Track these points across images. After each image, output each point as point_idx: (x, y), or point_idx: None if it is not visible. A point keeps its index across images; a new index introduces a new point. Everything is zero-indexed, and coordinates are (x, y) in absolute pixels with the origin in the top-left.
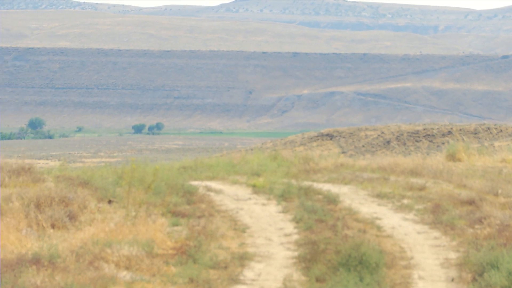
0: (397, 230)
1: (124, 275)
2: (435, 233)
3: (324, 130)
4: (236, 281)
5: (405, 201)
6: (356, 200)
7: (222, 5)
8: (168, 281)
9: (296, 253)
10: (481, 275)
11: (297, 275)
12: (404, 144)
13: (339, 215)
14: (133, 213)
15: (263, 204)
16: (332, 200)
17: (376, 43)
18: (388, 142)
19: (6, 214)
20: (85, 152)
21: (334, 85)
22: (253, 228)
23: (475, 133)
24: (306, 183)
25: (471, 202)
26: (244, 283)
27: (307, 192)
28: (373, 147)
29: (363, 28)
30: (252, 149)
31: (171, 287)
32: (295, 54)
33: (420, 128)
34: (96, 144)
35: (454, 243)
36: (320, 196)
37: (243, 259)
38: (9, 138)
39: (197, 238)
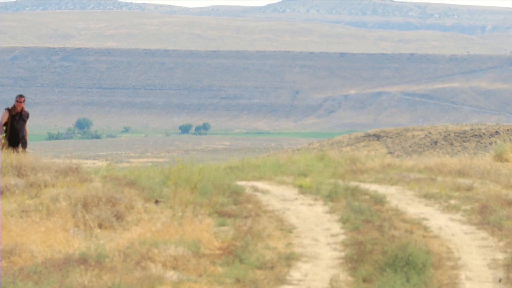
0: (444, 231)
1: (171, 275)
2: (483, 234)
3: (371, 131)
4: (282, 281)
5: (452, 202)
6: (403, 200)
7: (269, 6)
8: (214, 281)
9: (342, 254)
10: None
11: (343, 276)
12: (451, 144)
13: (386, 215)
14: (180, 213)
15: (310, 205)
16: (379, 200)
17: (423, 43)
18: (435, 142)
19: (54, 214)
20: (132, 152)
21: (381, 85)
22: (299, 228)
23: None
24: (353, 184)
25: None
26: (290, 284)
27: (354, 192)
28: (420, 147)
29: (410, 28)
30: (299, 150)
31: (217, 287)
32: (342, 54)
33: (467, 128)
34: (143, 144)
35: (501, 243)
36: (367, 197)
37: (290, 259)
38: (56, 138)
39: (244, 238)
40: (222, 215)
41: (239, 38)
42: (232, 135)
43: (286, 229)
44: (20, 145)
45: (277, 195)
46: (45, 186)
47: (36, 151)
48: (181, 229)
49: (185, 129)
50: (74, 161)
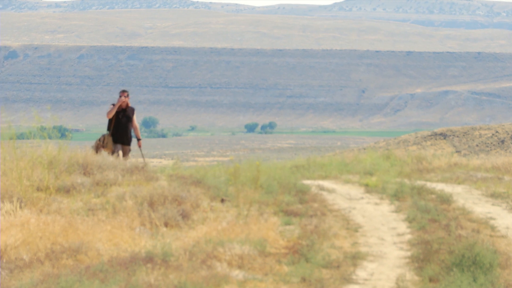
0: None
1: (237, 274)
2: None
3: (438, 130)
4: (348, 280)
5: None
6: (470, 199)
7: (335, 4)
8: (280, 280)
9: (409, 253)
10: None
11: (410, 275)
12: None
13: (452, 215)
14: (245, 212)
15: (376, 204)
16: (445, 199)
17: (490, 41)
18: (503, 141)
19: (120, 212)
20: (198, 151)
21: (447, 84)
22: (365, 227)
23: None
24: (419, 183)
25: None
26: (356, 283)
27: (420, 191)
28: (487, 146)
29: (478, 27)
30: (365, 148)
31: (283, 286)
32: (409, 53)
33: None
34: (209, 143)
35: None
36: (433, 196)
37: (356, 258)
38: None
39: (310, 237)
40: (288, 214)
41: (305, 37)
42: (298, 134)
43: (352, 228)
44: (125, 143)
45: (343, 194)
46: (111, 184)
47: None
48: (246, 228)
49: (251, 128)
50: (140, 159)
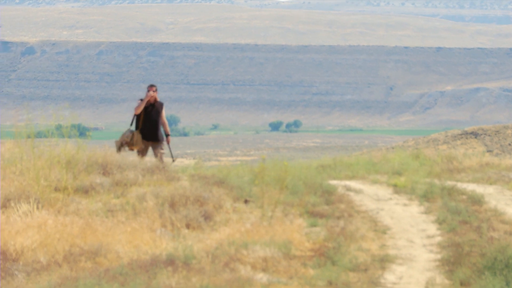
0: None
1: (261, 277)
2: None
3: (469, 128)
4: (376, 284)
5: None
6: (502, 200)
7: None
8: (306, 284)
9: (439, 256)
10: None
11: (440, 279)
12: None
13: (484, 216)
14: (270, 213)
15: (405, 205)
16: (476, 200)
17: None
18: None
19: (140, 213)
20: (220, 150)
21: (479, 81)
22: (394, 229)
23: None
24: (450, 183)
25: None
26: (385, 286)
27: (451, 192)
28: None
29: (510, 22)
30: (393, 147)
31: None
32: (439, 49)
33: None
34: (232, 142)
35: None
36: (464, 197)
37: (384, 261)
38: None
39: (336, 240)
40: (313, 215)
41: (331, 32)
42: (324, 133)
43: (380, 230)
44: (155, 139)
45: (370, 195)
46: (131, 185)
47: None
48: (271, 230)
49: (275, 126)
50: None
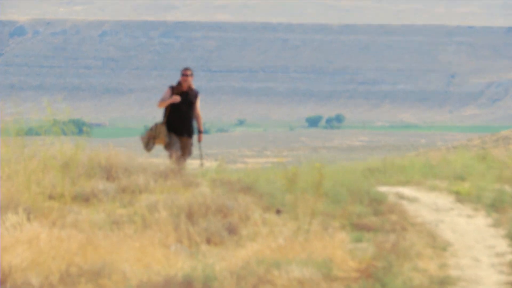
0: None
1: None
2: None
3: None
4: None
5: None
6: None
7: None
8: None
9: (510, 278)
10: None
11: None
12: None
13: None
14: (307, 226)
15: (469, 216)
16: None
17: None
18: None
19: (152, 226)
20: (247, 150)
21: None
22: (456, 245)
23: None
24: None
25: None
26: None
27: None
28: None
29: None
30: (455, 147)
31: None
32: (510, 29)
33: None
34: (261, 140)
35: None
36: None
37: (445, 283)
38: None
39: (387, 258)
40: (359, 228)
41: (381, 9)
42: (371, 129)
43: (440, 246)
44: (185, 134)
45: (428, 204)
46: (141, 191)
47: (129, 148)
48: (308, 246)
49: (313, 121)
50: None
